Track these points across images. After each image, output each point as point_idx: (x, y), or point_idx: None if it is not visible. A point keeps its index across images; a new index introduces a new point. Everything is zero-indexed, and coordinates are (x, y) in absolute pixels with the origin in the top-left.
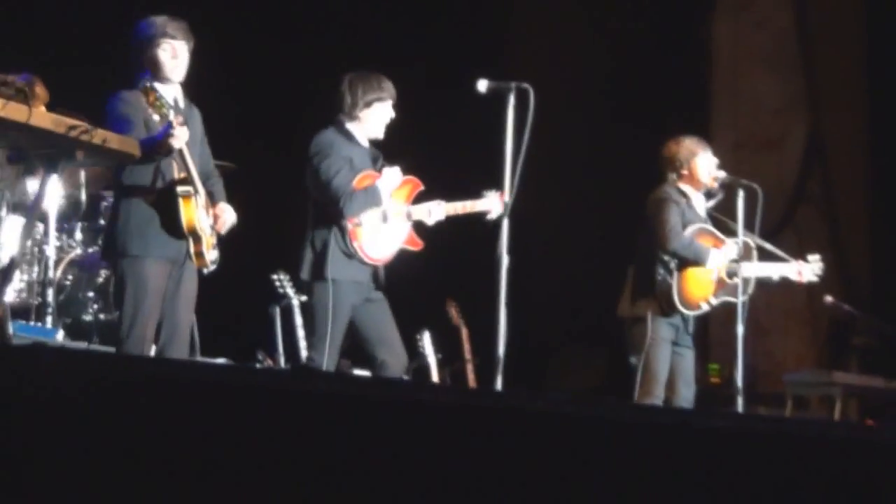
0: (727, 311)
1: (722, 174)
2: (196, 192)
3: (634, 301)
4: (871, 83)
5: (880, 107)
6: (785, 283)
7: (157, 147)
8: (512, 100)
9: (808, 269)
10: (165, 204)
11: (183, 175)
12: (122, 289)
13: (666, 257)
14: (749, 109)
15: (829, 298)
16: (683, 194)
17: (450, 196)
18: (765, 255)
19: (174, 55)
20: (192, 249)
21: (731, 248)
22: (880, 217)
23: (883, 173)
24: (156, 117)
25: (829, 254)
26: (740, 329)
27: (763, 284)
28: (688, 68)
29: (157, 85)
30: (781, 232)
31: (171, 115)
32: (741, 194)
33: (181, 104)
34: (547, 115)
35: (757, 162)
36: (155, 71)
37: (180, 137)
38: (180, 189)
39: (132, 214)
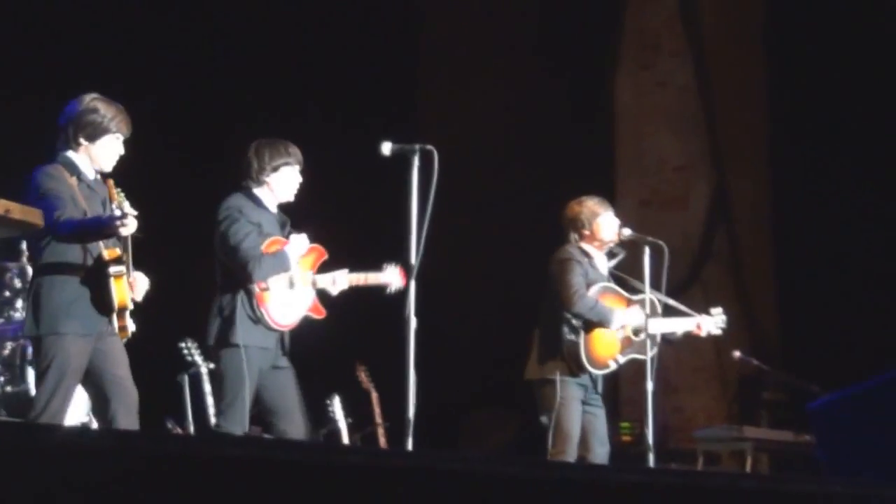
0: (636, 368)
1: (627, 232)
2: (127, 269)
3: (542, 363)
4: (774, 139)
5: (783, 162)
6: (693, 339)
7: (104, 230)
8: (416, 162)
9: (708, 322)
10: (94, 282)
11: (115, 254)
12: (45, 366)
13: (571, 318)
14: (653, 167)
15: (736, 354)
16: (586, 254)
17: (355, 262)
18: (670, 312)
19: (119, 151)
20: (117, 324)
21: (636, 312)
22: (786, 272)
23: (787, 229)
24: (114, 206)
25: (737, 309)
26: (650, 386)
27: (671, 341)
28: (592, 127)
29: (72, 156)
30: (688, 289)
31: (126, 207)
32: (647, 252)
33: (91, 175)
34: (454, 177)
35: (662, 220)
36: (94, 157)
37: (130, 227)
38: (113, 269)
39: (60, 292)
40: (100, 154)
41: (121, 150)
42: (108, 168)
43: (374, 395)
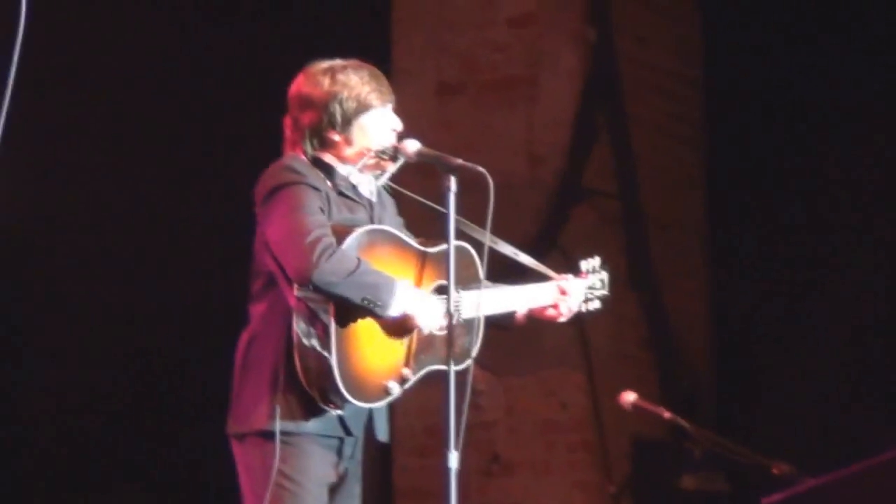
0: (427, 414)
1: (414, 146)
2: None
3: (250, 399)
4: None
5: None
6: (544, 356)
7: None
8: None
9: (576, 289)
10: None
11: None
12: None
13: (309, 300)
14: (468, 17)
15: (629, 397)
16: (328, 172)
17: None
18: (505, 273)
19: None
20: None
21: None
22: (730, 234)
23: (733, 143)
24: None
25: (631, 310)
26: (453, 460)
27: (504, 347)
28: None
29: None
30: (543, 248)
31: None
32: (452, 185)
33: None
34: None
35: (486, 121)
36: None
37: None
38: None
39: None
40: None
41: None
42: None
43: None
